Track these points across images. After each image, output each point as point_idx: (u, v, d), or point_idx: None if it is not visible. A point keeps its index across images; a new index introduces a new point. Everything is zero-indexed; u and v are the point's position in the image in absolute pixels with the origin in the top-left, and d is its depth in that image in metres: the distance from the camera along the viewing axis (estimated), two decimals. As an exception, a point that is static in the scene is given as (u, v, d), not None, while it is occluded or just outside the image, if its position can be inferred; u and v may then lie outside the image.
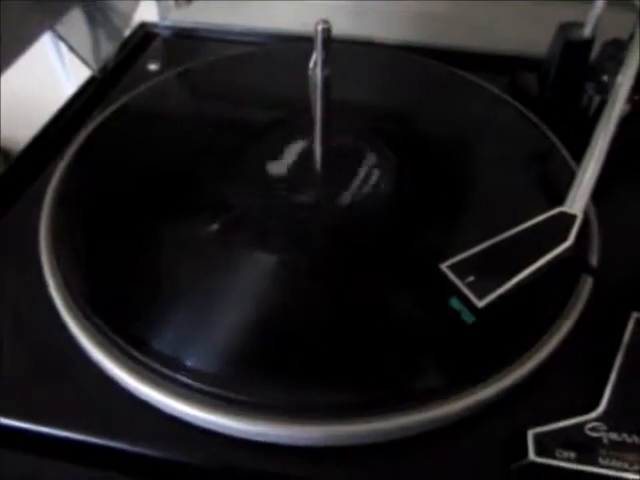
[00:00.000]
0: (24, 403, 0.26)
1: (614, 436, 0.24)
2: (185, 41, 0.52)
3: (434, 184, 0.33)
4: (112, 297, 0.28)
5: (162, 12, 0.55)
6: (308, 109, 0.31)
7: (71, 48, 0.44)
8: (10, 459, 0.25)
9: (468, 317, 0.25)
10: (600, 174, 0.30)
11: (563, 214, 0.27)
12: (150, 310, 0.27)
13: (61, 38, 0.43)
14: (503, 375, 0.25)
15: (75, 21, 0.46)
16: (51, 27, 0.43)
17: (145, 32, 0.52)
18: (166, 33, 0.52)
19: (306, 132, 0.33)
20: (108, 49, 0.48)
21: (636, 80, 0.35)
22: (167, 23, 0.53)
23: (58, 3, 0.44)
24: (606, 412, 0.25)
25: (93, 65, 0.46)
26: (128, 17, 0.52)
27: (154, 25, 0.53)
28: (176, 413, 0.25)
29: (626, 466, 0.23)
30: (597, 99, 0.38)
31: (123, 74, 0.47)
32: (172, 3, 0.55)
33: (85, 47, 0.47)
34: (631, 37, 0.37)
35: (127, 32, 0.51)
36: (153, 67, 0.46)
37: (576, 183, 0.29)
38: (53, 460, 0.25)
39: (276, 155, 0.34)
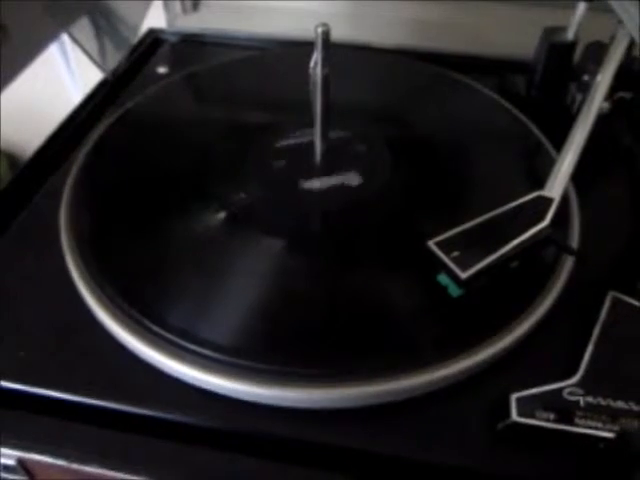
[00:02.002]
0: (50, 374, 0.28)
1: (590, 399, 0.26)
2: (191, 46, 0.54)
3: (427, 173, 0.36)
4: (128, 275, 0.31)
5: (170, 19, 0.57)
6: (308, 107, 0.34)
7: (85, 52, 0.46)
8: (35, 423, 0.27)
9: (454, 291, 0.27)
10: (582, 164, 0.33)
11: (541, 197, 0.30)
12: (166, 285, 0.30)
13: (76, 42, 0.46)
14: (490, 345, 0.27)
15: (87, 29, 0.49)
16: (65, 31, 0.46)
17: (154, 38, 0.54)
18: (173, 39, 0.55)
19: (307, 127, 0.36)
20: (117, 57, 0.50)
21: (616, 81, 0.38)
22: (174, 29, 0.56)
23: (70, 9, 0.46)
24: (583, 379, 0.27)
25: (105, 69, 0.48)
26: (136, 27, 0.54)
27: (162, 31, 0.55)
28: (192, 380, 0.27)
29: (600, 425, 0.25)
30: (579, 98, 0.40)
31: (133, 77, 0.49)
32: (179, 11, 0.58)
33: (97, 52, 0.49)
34: (612, 39, 0.39)
35: (136, 39, 0.54)
36: (162, 70, 0.49)
37: (555, 170, 0.31)
38: (77, 424, 0.27)
39: (279, 149, 0.37)
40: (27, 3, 0.41)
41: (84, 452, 0.26)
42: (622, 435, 0.24)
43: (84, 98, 0.46)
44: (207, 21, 0.57)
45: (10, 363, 0.29)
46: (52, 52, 0.75)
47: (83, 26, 0.48)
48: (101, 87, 0.48)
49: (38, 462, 0.27)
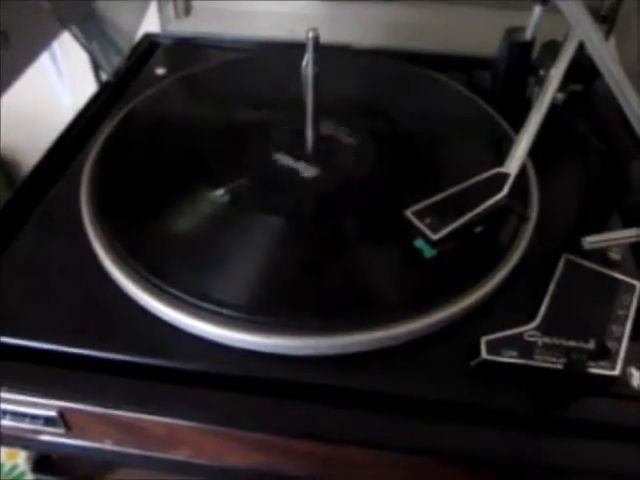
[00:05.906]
0: (77, 335, 0.33)
1: (546, 340, 0.31)
2: (185, 49, 0.59)
3: (406, 157, 0.41)
4: (144, 244, 0.35)
5: (163, 23, 0.62)
6: (299, 102, 0.38)
7: (91, 54, 0.50)
8: (76, 376, 0.31)
9: (429, 253, 0.32)
10: (541, 147, 0.38)
11: (500, 173, 0.35)
12: (178, 251, 0.35)
13: (82, 45, 0.49)
14: (463, 299, 0.32)
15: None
16: (69, 31, 0.49)
17: (149, 41, 0.58)
18: (167, 42, 0.59)
19: (298, 119, 0.40)
20: (114, 62, 0.54)
21: (569, 74, 0.43)
22: (168, 33, 0.60)
23: (72, 10, 0.49)
24: (541, 324, 0.32)
25: (108, 70, 0.52)
26: (131, 38, 0.58)
27: (157, 35, 0.59)
28: (207, 334, 0.32)
29: (554, 360, 0.31)
30: (537, 90, 0.46)
31: (133, 78, 0.53)
32: (172, 15, 0.62)
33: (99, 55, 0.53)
34: (565, 38, 0.45)
35: (129, 49, 0.57)
36: (161, 71, 0.53)
37: (512, 151, 0.37)
38: (110, 376, 0.31)
39: (273, 137, 0.42)
40: (26, 9, 0.44)
41: (118, 399, 0.31)
42: (569, 365, 0.30)
43: (90, 98, 0.50)
44: (198, 25, 0.61)
45: (46, 327, 0.33)
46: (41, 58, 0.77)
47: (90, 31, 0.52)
48: (105, 88, 0.52)
49: (77, 411, 0.31)
